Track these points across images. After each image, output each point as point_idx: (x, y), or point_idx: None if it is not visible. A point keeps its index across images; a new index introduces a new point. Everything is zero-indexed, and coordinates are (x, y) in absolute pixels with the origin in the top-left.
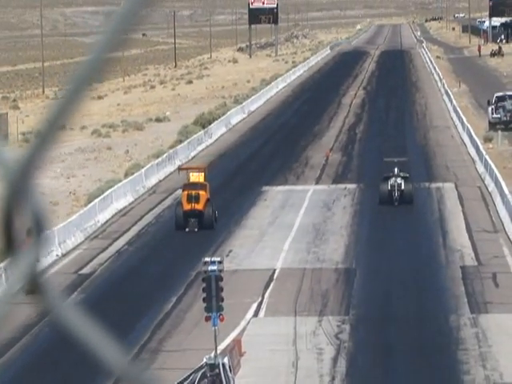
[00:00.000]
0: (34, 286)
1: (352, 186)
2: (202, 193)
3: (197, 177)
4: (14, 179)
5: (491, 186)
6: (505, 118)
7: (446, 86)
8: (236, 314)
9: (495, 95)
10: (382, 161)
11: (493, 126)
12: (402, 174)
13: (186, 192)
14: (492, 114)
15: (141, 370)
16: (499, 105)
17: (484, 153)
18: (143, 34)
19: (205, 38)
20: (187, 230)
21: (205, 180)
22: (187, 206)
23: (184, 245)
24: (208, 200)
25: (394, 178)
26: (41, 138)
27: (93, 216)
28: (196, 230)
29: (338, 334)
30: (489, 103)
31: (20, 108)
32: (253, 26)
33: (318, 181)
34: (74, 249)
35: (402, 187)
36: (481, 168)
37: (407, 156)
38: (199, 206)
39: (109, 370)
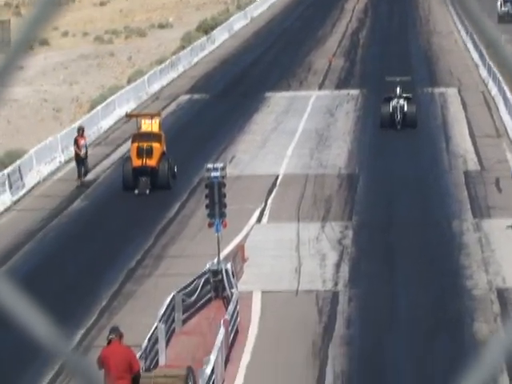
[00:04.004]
0: None
1: (355, 92)
2: (155, 145)
3: (149, 125)
4: None
5: (494, 91)
6: None
7: None
8: (239, 220)
9: None
10: (384, 80)
11: (501, 18)
12: (404, 95)
13: (135, 144)
14: (501, 7)
15: (80, 356)
16: None
17: (487, 58)
18: None
19: None
20: (137, 191)
21: (160, 129)
22: (137, 162)
23: (188, 152)
24: (163, 154)
25: (396, 100)
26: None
27: (95, 122)
28: (148, 191)
29: (340, 239)
30: None
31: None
32: None
33: (320, 86)
34: None
35: (405, 109)
36: (484, 73)
37: (410, 74)
38: (152, 162)
39: (49, 354)
